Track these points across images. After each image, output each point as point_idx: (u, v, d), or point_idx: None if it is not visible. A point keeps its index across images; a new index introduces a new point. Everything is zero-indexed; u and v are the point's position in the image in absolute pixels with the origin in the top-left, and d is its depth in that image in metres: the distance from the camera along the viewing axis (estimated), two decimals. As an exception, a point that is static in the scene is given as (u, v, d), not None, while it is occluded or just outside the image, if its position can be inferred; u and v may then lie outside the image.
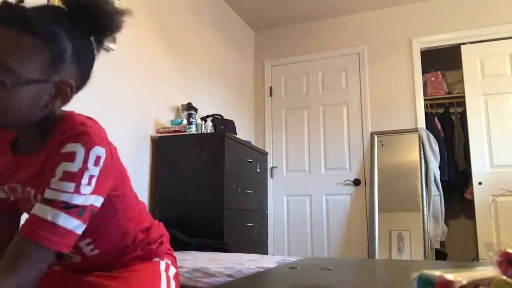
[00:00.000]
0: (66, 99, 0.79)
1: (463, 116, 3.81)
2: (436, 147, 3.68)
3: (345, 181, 3.93)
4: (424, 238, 3.44)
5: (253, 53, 4.53)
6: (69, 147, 0.74)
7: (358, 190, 3.88)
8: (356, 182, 3.89)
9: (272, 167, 4.20)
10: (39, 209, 0.73)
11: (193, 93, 3.27)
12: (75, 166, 0.74)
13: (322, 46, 4.23)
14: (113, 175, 0.83)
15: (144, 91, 2.70)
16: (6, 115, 0.74)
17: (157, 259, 0.97)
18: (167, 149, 2.76)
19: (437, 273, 0.46)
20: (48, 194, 0.73)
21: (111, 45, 2.38)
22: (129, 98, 2.55)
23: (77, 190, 0.74)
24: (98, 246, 0.90)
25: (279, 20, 4.31)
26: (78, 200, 0.74)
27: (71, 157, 0.74)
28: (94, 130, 0.78)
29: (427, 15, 3.90)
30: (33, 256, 0.71)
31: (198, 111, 3.03)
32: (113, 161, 0.81)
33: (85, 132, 0.76)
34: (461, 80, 3.80)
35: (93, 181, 0.75)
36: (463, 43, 3.74)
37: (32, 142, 0.82)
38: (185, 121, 2.86)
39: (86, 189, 0.75)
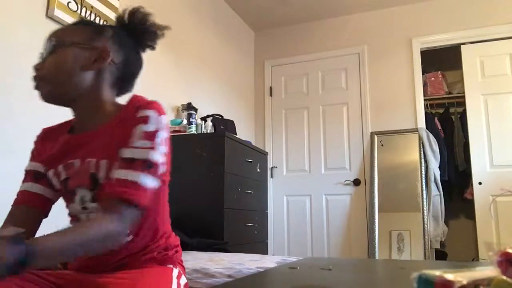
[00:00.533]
0: (103, 63, 0.92)
1: (463, 116, 3.81)
2: (436, 147, 3.68)
3: (345, 181, 3.93)
4: (424, 238, 3.44)
5: (253, 53, 4.53)
6: (143, 112, 0.87)
7: (358, 190, 3.88)
8: (356, 182, 3.89)
9: (272, 167, 4.20)
10: (122, 173, 0.82)
11: (193, 93, 3.27)
12: (150, 127, 0.86)
13: (322, 46, 4.23)
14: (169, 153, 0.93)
15: (144, 91, 2.69)
16: (54, 72, 0.90)
17: (171, 265, 0.97)
18: (167, 149, 2.76)
19: (437, 273, 0.46)
20: (128, 153, 0.84)
21: (111, 45, 2.38)
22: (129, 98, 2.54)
23: (154, 147, 0.85)
24: (134, 233, 0.91)
25: (279, 20, 4.31)
26: (154, 156, 0.85)
27: (146, 119, 0.87)
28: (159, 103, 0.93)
29: (427, 15, 3.90)
30: (121, 212, 0.80)
31: (198, 111, 3.03)
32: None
33: (154, 102, 0.91)
34: (461, 80, 3.80)
35: (164, 142, 0.88)
36: (463, 43, 3.74)
37: (91, 120, 0.94)
38: (185, 121, 2.86)
39: (160, 148, 0.86)
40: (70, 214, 0.97)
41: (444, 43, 3.85)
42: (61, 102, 0.96)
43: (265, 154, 3.58)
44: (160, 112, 0.89)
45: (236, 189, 2.82)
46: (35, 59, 2.06)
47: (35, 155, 1.02)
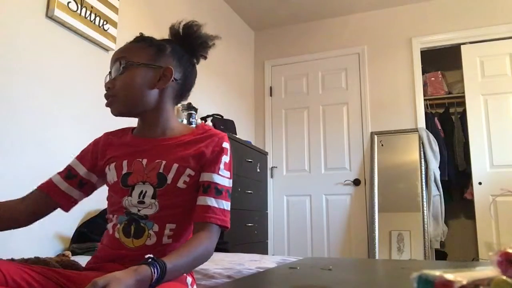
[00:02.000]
0: (167, 81, 1.02)
1: (463, 116, 3.81)
2: (436, 147, 3.68)
3: (345, 181, 3.93)
4: (424, 238, 3.44)
5: (253, 53, 4.53)
6: (225, 144, 1.05)
7: (358, 190, 3.88)
8: (356, 182, 3.89)
9: (272, 167, 4.20)
10: (214, 201, 0.99)
11: (193, 93, 3.26)
12: (228, 159, 1.05)
13: (322, 46, 4.23)
14: None
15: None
16: (126, 91, 1.00)
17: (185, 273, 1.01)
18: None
19: (437, 273, 0.45)
20: (217, 178, 1.01)
21: (111, 45, 2.38)
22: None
23: (231, 176, 1.05)
24: (174, 235, 1.00)
25: (279, 20, 4.31)
26: (230, 184, 1.04)
27: (226, 151, 1.05)
28: None
29: (427, 15, 3.90)
30: (214, 233, 0.98)
31: (198, 111, 3.03)
32: None
33: (226, 136, 1.08)
34: (461, 80, 3.80)
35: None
36: (463, 43, 3.74)
37: (157, 129, 1.05)
38: (185, 121, 2.86)
39: (232, 176, 1.06)
40: (118, 207, 1.01)
41: (444, 43, 3.85)
42: (130, 116, 1.06)
43: (265, 154, 3.58)
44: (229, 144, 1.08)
45: (236, 189, 2.82)
46: (35, 59, 2.07)
47: (83, 156, 1.10)
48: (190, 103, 2.96)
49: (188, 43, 1.08)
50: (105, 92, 1.03)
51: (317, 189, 4.01)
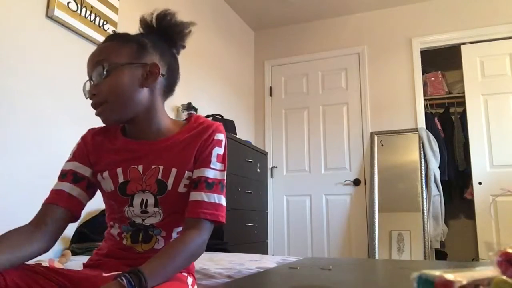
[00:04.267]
0: (156, 78, 0.96)
1: (463, 116, 3.81)
2: (436, 147, 3.68)
3: (345, 181, 3.93)
4: (424, 238, 3.44)
5: (253, 53, 4.53)
6: (218, 136, 0.99)
7: (358, 190, 3.88)
8: (356, 182, 3.89)
9: (272, 167, 4.20)
10: (205, 195, 0.93)
11: (193, 93, 3.27)
12: (222, 150, 0.99)
13: (322, 46, 4.23)
14: None
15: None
16: (115, 95, 0.93)
17: (185, 273, 1.00)
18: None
19: (437, 273, 0.45)
20: (209, 173, 0.95)
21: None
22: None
23: (225, 168, 0.99)
24: (167, 238, 0.98)
25: (279, 20, 4.31)
26: (224, 176, 0.98)
27: (220, 143, 0.99)
28: None
29: (427, 15, 3.90)
30: (206, 228, 0.92)
31: (198, 111, 3.03)
32: None
33: (222, 125, 1.02)
34: (461, 80, 3.80)
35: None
36: (463, 43, 3.74)
37: (152, 130, 0.99)
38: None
39: (226, 168, 0.99)
40: (120, 216, 0.98)
41: (444, 43, 3.85)
42: (122, 122, 0.99)
43: (265, 154, 3.58)
44: (225, 135, 1.03)
45: (236, 189, 2.82)
46: (35, 59, 2.07)
47: (78, 156, 1.01)
48: (190, 103, 2.96)
49: (165, 34, 1.02)
50: (90, 101, 0.94)
51: (317, 189, 4.01)
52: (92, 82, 0.95)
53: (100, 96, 0.93)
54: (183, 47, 1.09)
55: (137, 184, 0.95)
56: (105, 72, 0.92)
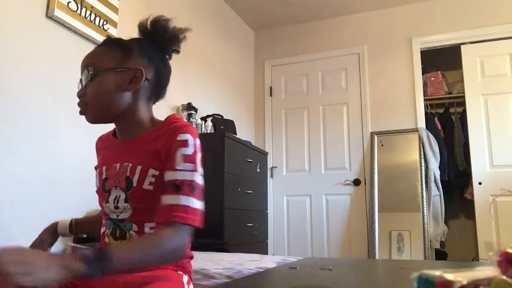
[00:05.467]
0: (139, 83, 1.00)
1: (463, 116, 3.81)
2: (436, 147, 3.68)
3: (345, 181, 3.93)
4: (424, 238, 3.44)
5: (253, 53, 4.53)
6: (182, 136, 0.95)
7: (358, 190, 3.88)
8: (356, 182, 3.89)
9: (272, 167, 4.20)
10: (172, 198, 0.90)
11: (193, 93, 3.27)
12: (189, 150, 0.95)
13: (322, 46, 4.23)
14: None
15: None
16: (96, 98, 0.98)
17: (181, 272, 1.02)
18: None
19: (437, 273, 0.45)
20: (172, 175, 0.93)
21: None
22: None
23: (196, 169, 0.94)
24: None
25: (279, 20, 4.31)
26: (196, 178, 0.94)
27: (186, 143, 0.95)
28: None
29: (427, 15, 3.89)
30: (177, 231, 0.88)
31: (198, 111, 3.03)
32: None
33: (189, 125, 1.00)
34: (461, 80, 3.80)
35: (200, 163, 0.97)
36: (463, 43, 3.74)
37: (132, 131, 1.03)
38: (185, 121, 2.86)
39: (199, 169, 0.96)
40: (104, 213, 1.04)
41: (444, 43, 3.85)
42: (105, 121, 1.05)
43: (265, 154, 3.58)
44: (195, 135, 0.98)
45: (236, 189, 2.82)
46: (35, 59, 2.07)
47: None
48: (190, 103, 2.97)
49: (158, 39, 1.06)
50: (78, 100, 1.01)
51: (317, 189, 4.01)
52: (81, 84, 1.02)
53: (85, 99, 1.00)
54: (177, 52, 1.11)
55: (113, 180, 1.01)
56: (90, 76, 0.98)
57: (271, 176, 4.19)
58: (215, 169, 2.64)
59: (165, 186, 0.94)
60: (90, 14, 2.26)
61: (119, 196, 0.98)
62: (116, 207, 0.99)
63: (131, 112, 1.03)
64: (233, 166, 2.80)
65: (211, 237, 2.50)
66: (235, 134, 3.29)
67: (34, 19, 1.99)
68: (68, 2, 2.12)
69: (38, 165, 1.94)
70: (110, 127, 1.11)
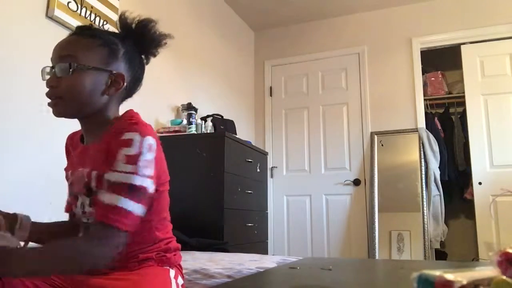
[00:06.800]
0: (119, 88, 0.96)
1: (463, 116, 3.81)
2: (436, 147, 3.68)
3: (345, 181, 3.93)
4: (424, 238, 3.44)
5: (253, 53, 4.53)
6: (127, 135, 0.87)
7: (358, 190, 3.88)
8: (356, 182, 3.89)
9: (272, 167, 4.20)
10: (107, 197, 0.83)
11: (193, 93, 3.27)
12: (133, 150, 0.86)
13: (322, 46, 4.23)
14: (161, 166, 0.96)
15: (144, 91, 2.70)
16: (73, 95, 0.91)
17: (167, 267, 0.99)
18: (167, 149, 2.75)
19: (437, 273, 0.45)
20: (110, 176, 0.85)
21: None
22: (129, 98, 2.54)
23: (136, 171, 0.85)
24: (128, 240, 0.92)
25: (279, 20, 4.31)
26: (137, 180, 0.84)
27: (129, 143, 0.86)
28: (144, 123, 0.93)
29: (427, 15, 3.89)
30: (106, 236, 0.81)
31: (198, 111, 3.03)
32: (160, 153, 0.95)
33: (138, 123, 0.90)
34: (461, 80, 3.80)
35: (148, 165, 0.87)
36: (463, 43, 3.74)
37: (95, 133, 0.97)
38: (185, 121, 2.86)
39: (143, 171, 0.85)
40: (75, 217, 1.01)
41: (444, 43, 3.85)
42: (73, 118, 0.99)
43: (265, 154, 3.58)
44: (144, 133, 0.88)
45: (236, 189, 2.82)
46: (35, 59, 2.06)
47: (67, 160, 1.10)
48: (190, 103, 2.97)
49: (141, 42, 1.02)
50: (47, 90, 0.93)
51: (317, 189, 4.01)
52: (53, 71, 0.93)
53: (58, 91, 0.92)
54: (154, 55, 1.06)
55: (75, 186, 0.98)
56: (70, 71, 0.91)
57: (271, 176, 4.19)
58: (215, 169, 2.64)
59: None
60: (90, 14, 2.26)
61: (84, 201, 0.96)
62: (83, 212, 0.96)
63: (101, 112, 0.97)
64: (233, 166, 2.80)
65: (211, 237, 2.50)
66: (235, 134, 3.29)
67: (34, 19, 1.99)
68: (68, 2, 2.12)
69: (37, 165, 1.94)
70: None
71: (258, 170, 3.32)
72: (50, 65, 0.96)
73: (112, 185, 0.84)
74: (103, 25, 2.34)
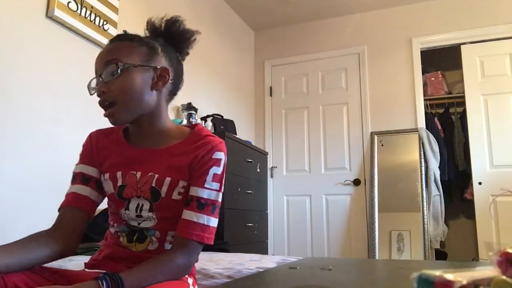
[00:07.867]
0: (165, 82, 0.99)
1: (463, 116, 3.81)
2: (436, 147, 3.68)
3: (345, 181, 3.93)
4: (424, 238, 3.44)
5: (253, 53, 4.53)
6: (218, 155, 0.97)
7: (358, 190, 3.88)
8: (356, 182, 3.89)
9: (272, 167, 4.20)
10: (194, 215, 0.94)
11: (193, 93, 3.27)
12: (219, 170, 0.97)
13: (322, 46, 4.23)
14: None
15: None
16: (125, 96, 0.94)
17: (186, 275, 1.01)
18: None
19: (437, 273, 0.45)
20: (203, 192, 0.95)
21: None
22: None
23: (220, 189, 0.97)
24: (161, 244, 0.98)
25: (279, 20, 4.31)
26: (219, 198, 0.97)
27: (219, 163, 0.97)
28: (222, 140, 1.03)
29: (427, 15, 3.90)
30: (193, 249, 0.93)
31: (198, 111, 3.03)
32: None
33: (223, 142, 1.01)
34: (461, 80, 3.80)
35: (223, 181, 0.99)
36: (463, 43, 3.75)
37: (153, 137, 1.01)
38: (185, 121, 2.86)
39: (222, 188, 0.99)
40: (117, 217, 1.01)
41: (444, 43, 3.85)
42: (130, 122, 1.00)
43: (265, 154, 3.58)
44: (225, 153, 1.00)
45: (236, 189, 2.82)
46: (35, 59, 2.07)
47: (85, 158, 1.05)
48: (190, 103, 2.96)
49: (173, 40, 1.04)
50: (90, 100, 0.96)
51: (317, 189, 4.01)
52: (101, 80, 0.94)
53: (110, 95, 0.93)
54: (188, 53, 1.09)
55: (133, 189, 0.97)
56: (119, 71, 0.93)
57: (271, 176, 4.19)
58: (215, 169, 2.63)
59: (187, 199, 0.95)
60: (90, 14, 2.26)
61: (142, 205, 0.96)
62: (139, 216, 0.97)
63: (156, 113, 0.99)
64: (233, 166, 2.80)
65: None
66: (235, 134, 3.29)
67: (34, 19, 1.99)
68: (68, 2, 2.12)
69: (37, 165, 1.94)
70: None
71: (258, 170, 3.32)
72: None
73: (201, 201, 0.94)
74: (103, 25, 2.34)
